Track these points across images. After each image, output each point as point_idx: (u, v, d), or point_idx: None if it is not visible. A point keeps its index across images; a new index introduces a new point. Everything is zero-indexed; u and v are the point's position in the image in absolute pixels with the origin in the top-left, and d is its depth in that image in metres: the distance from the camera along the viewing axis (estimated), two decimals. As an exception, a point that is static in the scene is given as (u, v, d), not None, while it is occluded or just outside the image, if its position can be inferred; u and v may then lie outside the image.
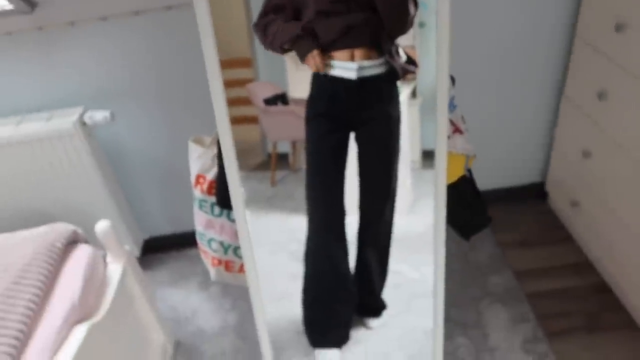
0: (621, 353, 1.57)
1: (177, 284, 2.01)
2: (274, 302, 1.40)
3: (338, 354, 1.43)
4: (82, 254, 1.35)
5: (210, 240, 1.48)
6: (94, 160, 1.74)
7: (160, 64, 1.71)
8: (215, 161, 1.36)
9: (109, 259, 1.44)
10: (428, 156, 1.19)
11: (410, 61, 1.17)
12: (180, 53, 1.69)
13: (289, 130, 1.37)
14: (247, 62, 1.29)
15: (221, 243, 1.47)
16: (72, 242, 1.40)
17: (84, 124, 1.70)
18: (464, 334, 1.67)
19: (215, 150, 1.36)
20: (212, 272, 1.54)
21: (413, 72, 1.18)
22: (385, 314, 1.48)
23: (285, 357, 1.43)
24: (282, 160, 1.41)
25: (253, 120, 1.33)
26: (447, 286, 1.27)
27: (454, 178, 1.27)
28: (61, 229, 1.39)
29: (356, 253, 1.40)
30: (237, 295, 1.90)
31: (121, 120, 1.80)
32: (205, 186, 1.40)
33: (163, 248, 2.15)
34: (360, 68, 1.13)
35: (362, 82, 1.14)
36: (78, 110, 1.72)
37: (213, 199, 1.40)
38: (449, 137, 1.08)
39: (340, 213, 1.31)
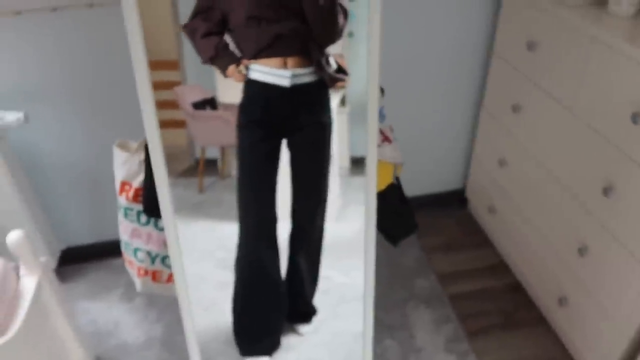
0: (532, 349, 1.69)
1: (99, 296, 1.91)
2: (202, 311, 1.37)
3: (269, 362, 1.42)
4: (-10, 267, 1.25)
5: (136, 250, 1.42)
6: (4, 165, 1.62)
7: (79, 64, 1.62)
8: (142, 167, 1.31)
9: (22, 271, 1.35)
10: (357, 163, 1.22)
11: (341, 70, 1.19)
12: (102, 53, 1.62)
13: (218, 136, 1.35)
14: (173, 65, 1.25)
15: (148, 253, 1.41)
16: (-21, 254, 1.30)
17: (-7, 126, 1.58)
18: (391, 336, 1.72)
19: (142, 156, 1.31)
20: (138, 283, 1.48)
21: (342, 81, 1.21)
22: (315, 319, 1.50)
23: (214, 368, 1.40)
24: (210, 166, 1.39)
25: (180, 124, 1.30)
26: (375, 290, 1.31)
27: (383, 186, 1.32)
28: (-34, 240, 1.28)
29: (287, 259, 1.40)
30: (163, 306, 1.84)
31: (36, 123, 1.68)
32: (131, 193, 1.35)
33: (83, 259, 2.03)
34: (294, 76, 1.14)
35: (295, 89, 1.15)
36: (-13, 111, 1.59)
37: (139, 206, 1.35)
38: (378, 146, 1.12)
39: (272, 219, 1.31)
